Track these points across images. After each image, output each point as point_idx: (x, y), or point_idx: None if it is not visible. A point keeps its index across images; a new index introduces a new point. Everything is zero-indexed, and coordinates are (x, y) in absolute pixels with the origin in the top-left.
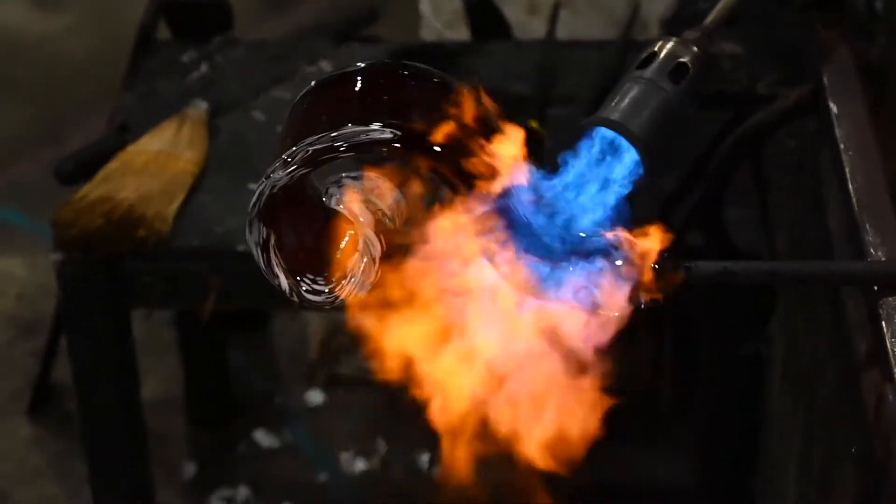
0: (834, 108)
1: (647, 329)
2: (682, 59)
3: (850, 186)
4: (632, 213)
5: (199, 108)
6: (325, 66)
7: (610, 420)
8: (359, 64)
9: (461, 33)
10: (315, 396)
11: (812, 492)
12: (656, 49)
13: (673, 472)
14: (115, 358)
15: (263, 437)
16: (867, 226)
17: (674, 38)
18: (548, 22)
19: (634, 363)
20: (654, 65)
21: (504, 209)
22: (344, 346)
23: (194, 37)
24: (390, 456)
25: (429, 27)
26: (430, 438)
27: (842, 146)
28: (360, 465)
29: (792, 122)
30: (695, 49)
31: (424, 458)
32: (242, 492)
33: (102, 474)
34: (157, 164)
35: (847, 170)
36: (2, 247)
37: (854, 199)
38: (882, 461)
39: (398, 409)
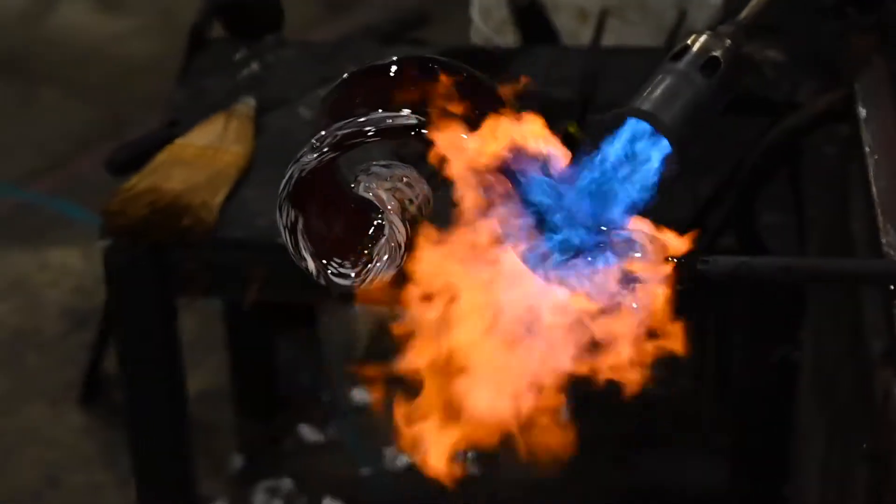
0: (863, 113)
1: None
2: (714, 53)
3: (874, 189)
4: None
5: (248, 104)
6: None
7: (646, 424)
8: (392, 57)
9: (510, 39)
10: (360, 393)
11: (832, 492)
12: (689, 42)
13: (705, 476)
14: (161, 344)
15: (309, 432)
16: (887, 227)
17: (707, 32)
18: (594, 28)
19: (676, 368)
20: (687, 57)
21: (527, 199)
22: (391, 345)
23: (246, 36)
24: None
25: (478, 33)
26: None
27: (867, 149)
28: (402, 461)
29: (823, 127)
30: (728, 43)
31: (466, 455)
32: (286, 484)
33: (145, 461)
34: (204, 158)
35: (871, 173)
36: (60, 239)
37: (876, 202)
38: (885, 457)
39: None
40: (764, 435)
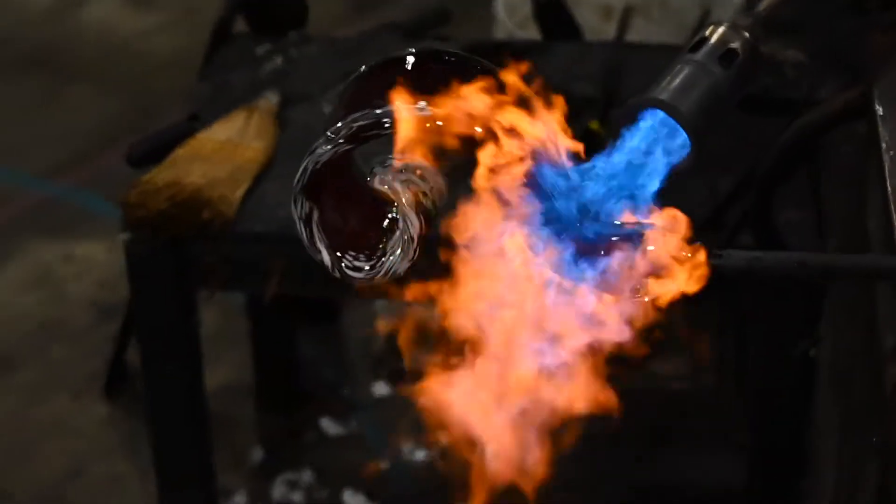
0: (879, 110)
1: (710, 331)
2: (732, 45)
3: (889, 186)
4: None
5: (270, 99)
6: None
7: (668, 420)
8: (409, 49)
9: (534, 35)
10: (381, 388)
11: (845, 487)
12: (708, 33)
13: (727, 473)
14: (180, 336)
15: (329, 426)
16: None
17: (725, 23)
18: (617, 25)
19: (697, 365)
20: (705, 49)
21: (539, 190)
22: (411, 341)
23: (270, 32)
24: (452, 448)
25: (502, 28)
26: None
27: (884, 146)
28: (420, 455)
29: (841, 125)
30: (745, 35)
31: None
32: (306, 477)
33: (165, 452)
34: (225, 152)
35: (886, 170)
36: (86, 233)
37: (891, 199)
38: (892, 449)
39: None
40: (782, 431)
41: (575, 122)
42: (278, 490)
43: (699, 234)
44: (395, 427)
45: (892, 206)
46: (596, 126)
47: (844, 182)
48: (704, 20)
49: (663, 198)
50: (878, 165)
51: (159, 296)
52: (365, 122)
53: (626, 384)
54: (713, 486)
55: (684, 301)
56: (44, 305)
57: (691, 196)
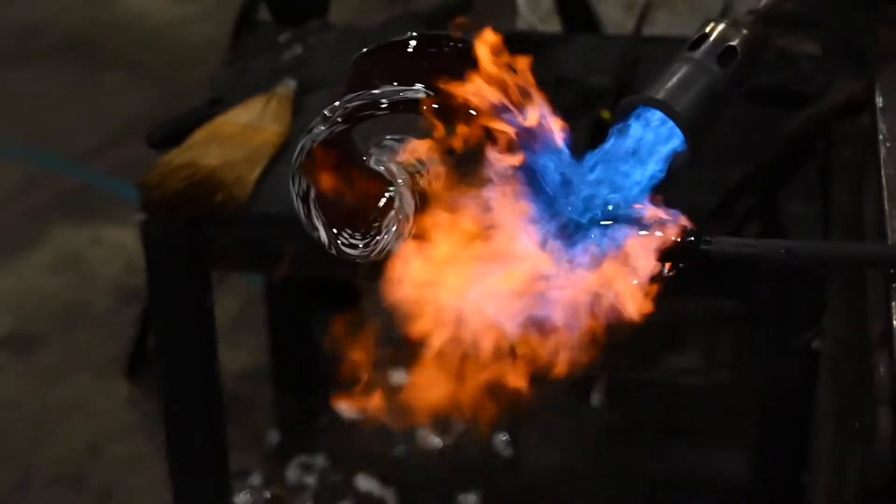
0: (879, 102)
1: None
2: (731, 43)
3: (883, 175)
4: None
5: (288, 86)
6: None
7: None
8: (411, 33)
9: (555, 27)
10: (398, 375)
11: (836, 477)
12: (707, 31)
13: (738, 467)
14: (195, 316)
15: (345, 409)
16: (893, 213)
17: (725, 21)
18: (637, 17)
19: (713, 360)
20: (704, 47)
21: (533, 174)
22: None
23: (292, 20)
24: (466, 435)
25: (524, 21)
26: (505, 421)
27: (881, 137)
28: (436, 441)
29: (844, 117)
30: (745, 33)
31: (500, 438)
32: (320, 460)
33: (178, 429)
34: (243, 135)
35: (882, 159)
36: (115, 218)
37: (885, 189)
38: (873, 434)
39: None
40: (784, 423)
41: (588, 112)
42: (293, 472)
43: (701, 224)
44: (410, 413)
45: (886, 195)
46: (607, 116)
47: (849, 176)
48: (725, 13)
49: (668, 189)
50: (875, 155)
51: (174, 275)
52: (359, 103)
53: (642, 377)
54: (724, 481)
55: (699, 294)
56: (70, 288)
57: (702, 187)
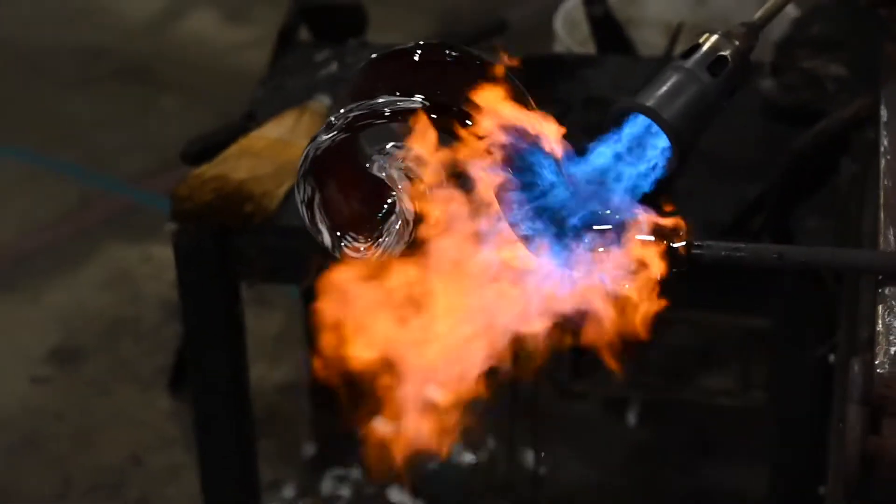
0: (884, 116)
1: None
2: (722, 53)
3: (881, 187)
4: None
5: (321, 101)
6: None
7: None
8: (419, 42)
9: (592, 52)
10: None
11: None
12: (701, 41)
13: (754, 483)
14: (224, 324)
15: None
16: (888, 223)
17: (719, 32)
18: (669, 40)
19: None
20: (697, 56)
21: (525, 178)
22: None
23: (331, 39)
24: (497, 452)
25: (561, 44)
26: (535, 438)
27: (882, 149)
28: (468, 457)
29: (852, 131)
30: (737, 44)
31: (529, 456)
32: (355, 472)
33: (208, 437)
34: (274, 150)
35: (881, 170)
36: (164, 237)
37: (881, 201)
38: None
39: (510, 409)
40: (801, 436)
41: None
42: (327, 484)
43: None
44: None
45: (882, 205)
46: None
47: (855, 189)
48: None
49: (687, 204)
50: (875, 168)
51: (204, 283)
52: (359, 113)
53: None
54: (753, 499)
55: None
56: (119, 303)
57: (720, 203)
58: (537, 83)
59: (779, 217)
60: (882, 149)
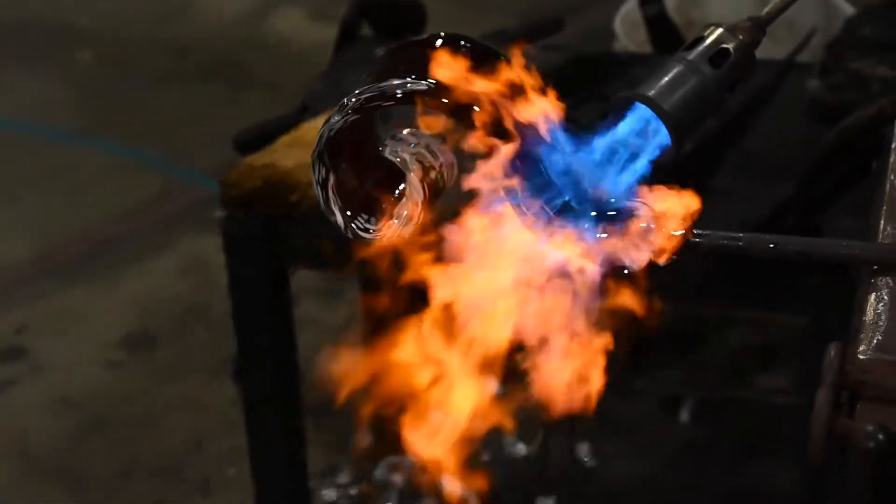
0: None
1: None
2: (725, 46)
3: (888, 181)
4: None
5: None
6: None
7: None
8: (440, 33)
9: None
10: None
11: None
12: (705, 34)
13: (792, 479)
14: (271, 309)
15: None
16: (888, 219)
17: (724, 26)
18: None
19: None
20: (700, 48)
21: (530, 164)
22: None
23: (390, 35)
24: (551, 444)
25: (620, 45)
26: (588, 432)
27: (894, 145)
28: (521, 449)
29: (877, 129)
30: (741, 38)
31: (583, 449)
32: (409, 462)
33: (256, 419)
34: None
35: (890, 165)
36: None
37: (886, 195)
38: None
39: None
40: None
41: None
42: (381, 472)
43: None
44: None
45: (886, 199)
46: None
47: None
48: (809, 39)
49: (721, 203)
50: (883, 164)
51: (251, 270)
52: (369, 95)
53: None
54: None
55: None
56: (192, 291)
57: (754, 202)
58: (587, 80)
59: (807, 215)
60: (894, 145)
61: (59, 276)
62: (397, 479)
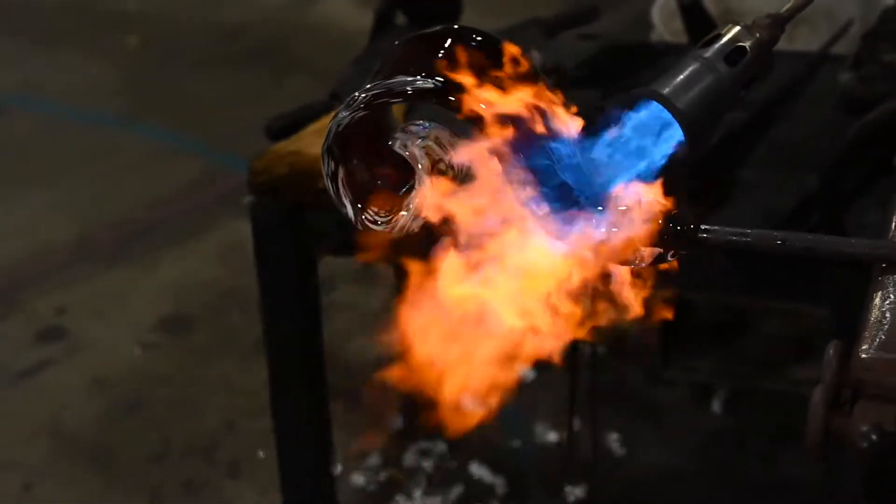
0: None
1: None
2: (741, 43)
3: None
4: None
5: None
6: (535, 56)
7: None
8: (453, 25)
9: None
10: (525, 372)
11: None
12: (722, 31)
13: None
14: (297, 295)
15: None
16: None
17: (742, 23)
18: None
19: None
20: (716, 46)
21: (538, 159)
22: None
23: (425, 24)
24: (581, 432)
25: (657, 35)
26: (619, 421)
27: None
28: (552, 436)
29: None
30: (758, 35)
31: (613, 437)
32: (440, 446)
33: (282, 404)
34: None
35: None
36: None
37: None
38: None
39: (596, 392)
40: None
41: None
42: (410, 457)
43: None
44: (533, 408)
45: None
46: None
47: None
48: (845, 30)
49: (748, 192)
50: None
51: (278, 256)
52: (376, 91)
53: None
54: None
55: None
56: (230, 275)
57: (781, 192)
58: (622, 69)
59: (832, 209)
60: None
61: (99, 259)
62: (426, 464)
